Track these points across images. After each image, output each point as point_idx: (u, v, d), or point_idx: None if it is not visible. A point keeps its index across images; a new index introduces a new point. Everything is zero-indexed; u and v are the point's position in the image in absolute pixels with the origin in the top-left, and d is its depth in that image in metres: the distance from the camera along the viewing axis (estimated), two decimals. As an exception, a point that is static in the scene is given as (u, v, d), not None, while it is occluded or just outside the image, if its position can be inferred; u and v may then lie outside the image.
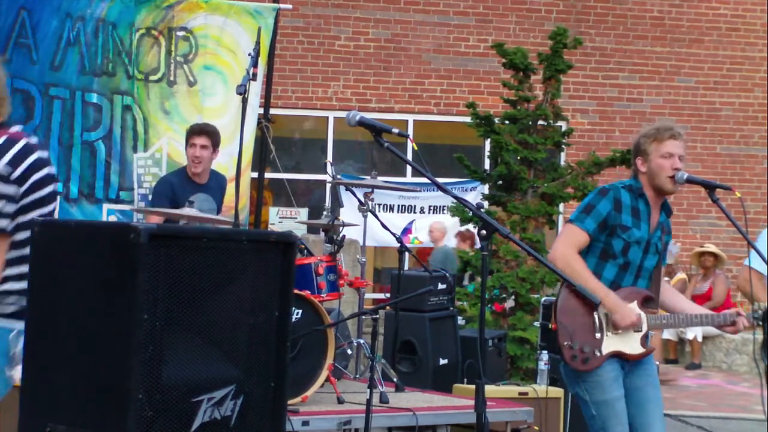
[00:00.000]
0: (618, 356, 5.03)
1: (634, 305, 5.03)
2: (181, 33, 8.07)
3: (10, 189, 3.76)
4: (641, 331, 5.05)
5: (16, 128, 3.92)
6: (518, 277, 9.60)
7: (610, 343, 5.02)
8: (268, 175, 10.31)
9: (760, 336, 5.24)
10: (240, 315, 3.41)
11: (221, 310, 3.34)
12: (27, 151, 3.84)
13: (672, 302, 5.28)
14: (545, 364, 7.63)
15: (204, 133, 7.19)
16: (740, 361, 12.95)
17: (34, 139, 3.94)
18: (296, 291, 5.59)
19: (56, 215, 3.95)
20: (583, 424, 7.22)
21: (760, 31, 15.04)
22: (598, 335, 5.01)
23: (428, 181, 3.98)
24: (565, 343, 5.02)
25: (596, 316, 5.01)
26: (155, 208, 6.82)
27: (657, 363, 5.50)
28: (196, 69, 8.14)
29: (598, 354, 4.99)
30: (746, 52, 15.14)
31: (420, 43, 14.66)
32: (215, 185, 7.38)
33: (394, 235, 7.26)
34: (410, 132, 13.90)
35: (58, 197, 3.82)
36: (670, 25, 15.05)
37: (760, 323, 5.15)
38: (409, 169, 14.30)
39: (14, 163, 3.77)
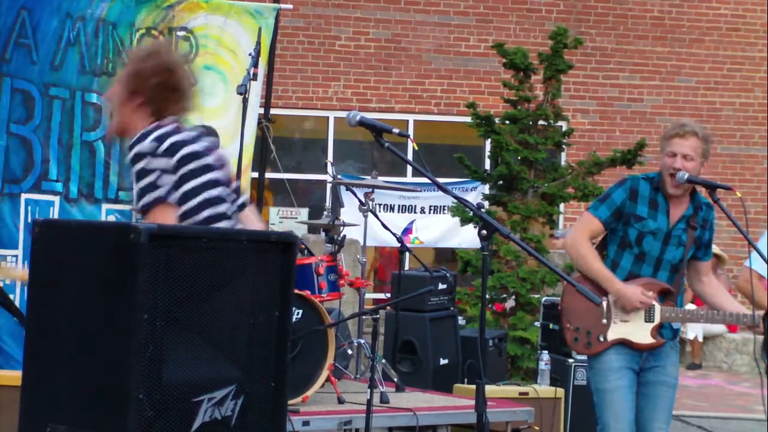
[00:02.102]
0: (625, 344, 5.05)
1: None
2: (181, 33, 8.06)
3: (160, 162, 3.80)
4: (653, 321, 5.06)
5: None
6: (519, 277, 9.60)
7: (617, 331, 5.05)
8: (268, 175, 10.30)
9: (760, 336, 5.24)
10: (240, 315, 3.41)
11: (221, 310, 3.34)
12: (174, 131, 3.89)
13: (712, 299, 5.27)
14: (546, 364, 7.63)
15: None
16: (740, 361, 12.95)
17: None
18: (297, 291, 5.59)
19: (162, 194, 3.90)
20: (583, 424, 7.23)
21: (761, 31, 15.03)
22: (604, 321, 5.05)
23: (429, 181, 3.98)
24: (567, 325, 5.09)
25: (604, 302, 5.04)
26: None
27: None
28: (196, 69, 8.13)
29: (602, 339, 5.04)
30: (746, 52, 15.13)
31: (420, 43, 14.65)
32: None
33: (394, 235, 7.27)
34: (411, 132, 13.89)
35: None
36: (670, 25, 15.05)
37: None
38: (409, 169, 14.29)
39: (160, 139, 3.82)
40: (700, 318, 5.22)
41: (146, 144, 3.81)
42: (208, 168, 3.97)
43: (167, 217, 3.78)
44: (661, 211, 5.08)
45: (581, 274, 5.13)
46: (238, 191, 4.22)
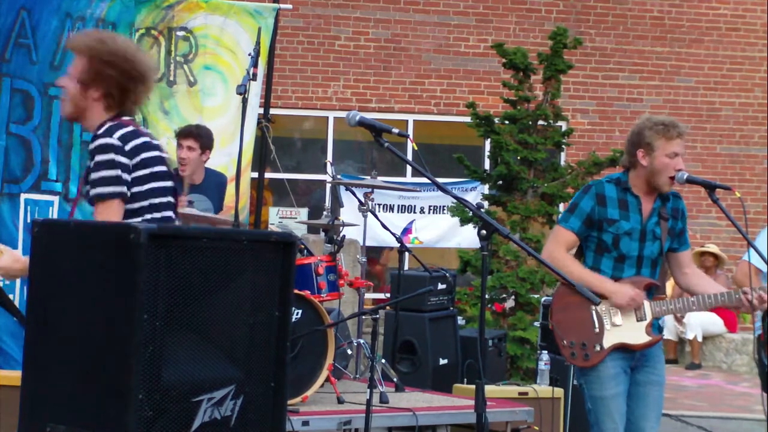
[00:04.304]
0: (622, 348, 5.02)
1: None
2: (181, 33, 8.06)
3: (123, 159, 3.89)
4: (645, 319, 5.04)
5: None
6: (518, 277, 9.60)
7: (612, 336, 5.01)
8: (268, 175, 10.32)
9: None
10: (240, 315, 3.41)
11: (221, 310, 3.34)
12: (134, 133, 3.98)
13: (698, 288, 5.19)
14: (545, 364, 7.63)
15: (191, 136, 7.22)
16: (740, 361, 12.95)
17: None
18: (296, 291, 5.59)
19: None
20: (583, 424, 7.22)
21: (760, 31, 15.03)
22: (597, 330, 5.00)
23: (428, 181, 3.99)
24: (563, 341, 5.03)
25: (593, 311, 5.00)
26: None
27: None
28: (196, 69, 8.14)
29: (599, 348, 4.99)
30: (746, 52, 15.13)
31: (420, 43, 14.65)
32: (212, 184, 7.38)
33: (394, 235, 7.27)
34: (410, 132, 13.89)
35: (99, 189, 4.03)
36: (670, 25, 15.04)
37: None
38: (409, 169, 14.29)
39: (125, 138, 3.92)
40: (692, 306, 5.14)
41: (114, 139, 3.91)
42: (157, 175, 4.04)
43: (116, 212, 3.88)
44: (633, 210, 5.04)
45: (565, 284, 5.04)
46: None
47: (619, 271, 5.04)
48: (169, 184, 4.10)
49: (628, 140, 5.11)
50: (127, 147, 3.92)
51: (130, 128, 3.99)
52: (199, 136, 7.23)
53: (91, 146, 3.94)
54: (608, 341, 5.00)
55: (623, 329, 5.02)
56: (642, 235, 5.03)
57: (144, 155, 3.97)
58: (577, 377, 5.19)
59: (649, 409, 5.10)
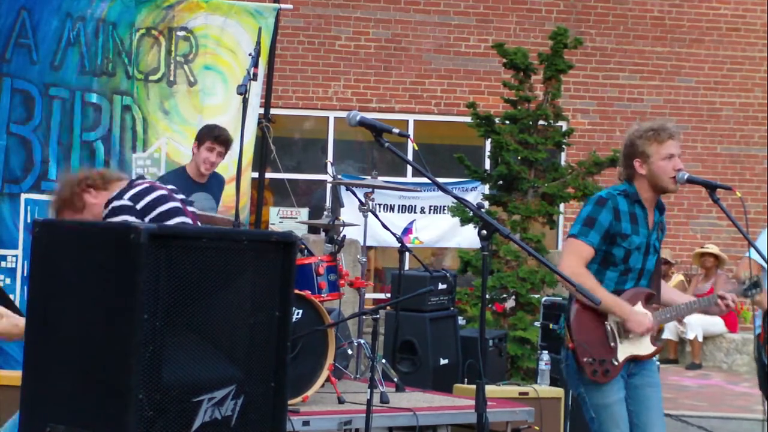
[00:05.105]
0: (632, 359, 5.06)
1: (639, 306, 5.03)
2: (181, 33, 8.06)
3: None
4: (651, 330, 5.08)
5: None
6: (519, 277, 9.60)
7: (625, 350, 5.03)
8: (268, 175, 10.31)
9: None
10: (240, 315, 3.40)
11: (222, 310, 3.34)
12: (150, 189, 4.14)
13: (668, 297, 5.29)
14: (546, 364, 7.63)
15: (225, 145, 7.17)
16: (740, 361, 12.94)
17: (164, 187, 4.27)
18: (297, 291, 5.59)
19: None
20: (583, 424, 7.22)
21: (761, 31, 15.03)
22: (612, 344, 5.01)
23: (429, 181, 3.99)
24: (585, 359, 5.00)
25: (607, 326, 5.01)
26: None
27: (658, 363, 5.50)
28: (197, 69, 8.14)
29: (616, 363, 5.01)
30: (746, 52, 15.13)
31: (420, 43, 14.65)
32: (214, 183, 7.39)
33: (394, 235, 7.26)
34: (411, 132, 13.88)
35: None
36: (670, 25, 15.04)
37: (752, 292, 5.19)
38: (409, 169, 14.29)
39: (137, 197, 4.07)
40: (682, 311, 5.24)
41: (123, 201, 4.04)
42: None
43: None
44: (641, 224, 5.02)
45: (579, 303, 5.02)
46: None
47: (622, 284, 5.04)
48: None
49: (623, 154, 5.09)
50: (139, 206, 4.04)
51: (141, 186, 4.10)
52: (228, 146, 7.22)
53: (104, 212, 4.06)
54: (622, 354, 5.02)
55: (633, 341, 5.05)
56: (647, 249, 5.04)
57: (160, 209, 4.07)
58: (576, 387, 5.14)
59: (653, 411, 5.11)
